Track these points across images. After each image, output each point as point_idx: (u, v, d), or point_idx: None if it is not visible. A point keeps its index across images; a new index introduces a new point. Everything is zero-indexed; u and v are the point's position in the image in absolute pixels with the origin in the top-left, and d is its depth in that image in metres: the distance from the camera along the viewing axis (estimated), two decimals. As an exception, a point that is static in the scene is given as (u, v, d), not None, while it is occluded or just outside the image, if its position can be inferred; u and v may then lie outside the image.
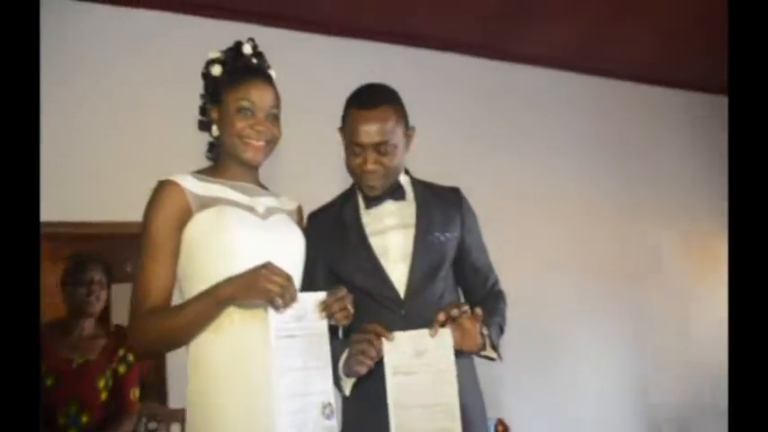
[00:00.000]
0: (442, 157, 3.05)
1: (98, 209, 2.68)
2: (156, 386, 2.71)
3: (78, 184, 2.68)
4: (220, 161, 1.47)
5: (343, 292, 1.30)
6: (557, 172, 4.08)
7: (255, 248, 1.29)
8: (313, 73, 3.23)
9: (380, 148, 1.47)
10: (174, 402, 2.65)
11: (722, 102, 5.15)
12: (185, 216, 1.31)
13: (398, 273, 1.50)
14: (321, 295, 1.29)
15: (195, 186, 1.35)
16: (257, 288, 1.17)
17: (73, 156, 2.70)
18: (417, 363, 1.32)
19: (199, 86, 1.50)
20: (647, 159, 4.60)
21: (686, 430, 4.10)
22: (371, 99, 1.50)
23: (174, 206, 1.31)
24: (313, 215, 1.64)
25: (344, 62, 3.39)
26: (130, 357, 2.35)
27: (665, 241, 4.47)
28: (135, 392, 2.37)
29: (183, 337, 1.28)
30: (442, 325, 1.34)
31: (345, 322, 1.31)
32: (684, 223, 4.61)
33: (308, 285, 1.46)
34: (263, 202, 1.45)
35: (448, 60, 3.85)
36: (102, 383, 2.28)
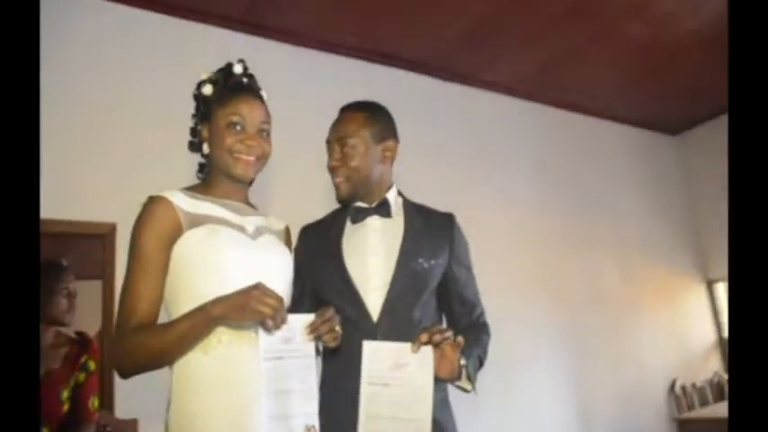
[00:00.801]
0: (401, 174, 3.09)
1: (50, 206, 2.59)
2: (102, 395, 2.62)
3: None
4: (210, 179, 1.45)
5: (330, 313, 1.28)
6: (514, 199, 4.18)
7: (245, 269, 1.27)
8: (285, 86, 3.24)
9: (341, 144, 1.55)
10: (119, 413, 2.56)
11: (672, 141, 5.43)
12: (175, 233, 1.29)
13: (375, 297, 1.49)
14: (309, 317, 1.27)
15: (186, 203, 1.33)
16: (249, 309, 1.15)
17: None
18: (394, 376, 1.30)
19: (183, 96, 1.48)
20: (602, 191, 4.78)
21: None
22: (346, 107, 1.63)
23: (165, 222, 1.28)
24: (305, 229, 1.65)
25: (320, 76, 3.43)
26: (91, 365, 2.25)
27: (612, 272, 4.64)
28: (94, 402, 2.25)
29: (170, 356, 1.24)
30: (425, 343, 1.32)
31: (334, 344, 1.29)
32: (633, 253, 4.80)
33: (295, 303, 1.45)
34: (252, 221, 1.43)
35: (416, 81, 3.93)
36: (65, 394, 2.17)
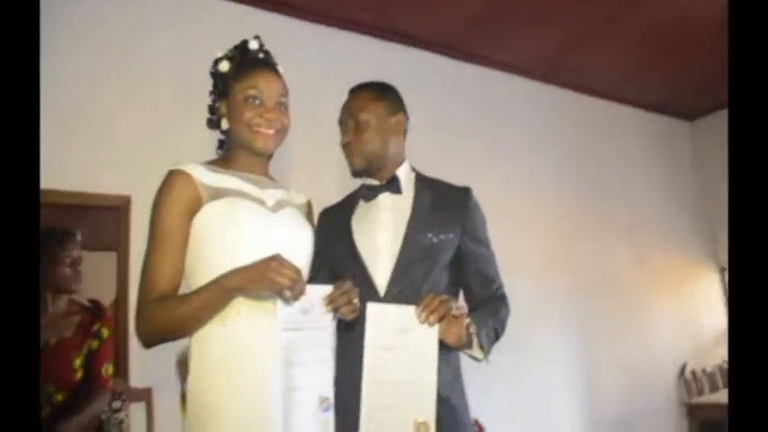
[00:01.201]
0: (415, 154, 3.09)
1: (65, 178, 2.62)
2: (117, 364, 2.66)
3: (50, 150, 2.60)
4: (230, 154, 1.45)
5: (348, 285, 1.29)
6: (529, 180, 4.17)
7: (264, 241, 1.28)
8: (300, 63, 3.23)
9: (353, 122, 1.58)
10: (134, 382, 2.61)
11: (687, 127, 5.37)
12: (195, 206, 1.30)
13: (383, 272, 1.51)
14: (327, 289, 1.28)
15: (205, 177, 1.34)
16: (266, 280, 1.16)
17: (46, 122, 2.62)
18: (399, 339, 1.30)
19: (199, 71, 1.48)
20: (616, 175, 4.74)
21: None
22: (357, 87, 1.66)
23: (184, 195, 1.30)
24: (323, 213, 1.68)
25: (335, 54, 3.41)
26: (104, 333, 2.27)
27: (625, 256, 4.63)
28: (108, 369, 2.27)
29: (188, 327, 1.26)
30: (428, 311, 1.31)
31: (351, 316, 1.30)
32: (644, 238, 4.78)
33: (310, 282, 1.45)
34: (272, 194, 1.43)
35: (432, 61, 3.90)
36: (78, 362, 2.20)
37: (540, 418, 3.81)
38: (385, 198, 1.59)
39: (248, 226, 1.30)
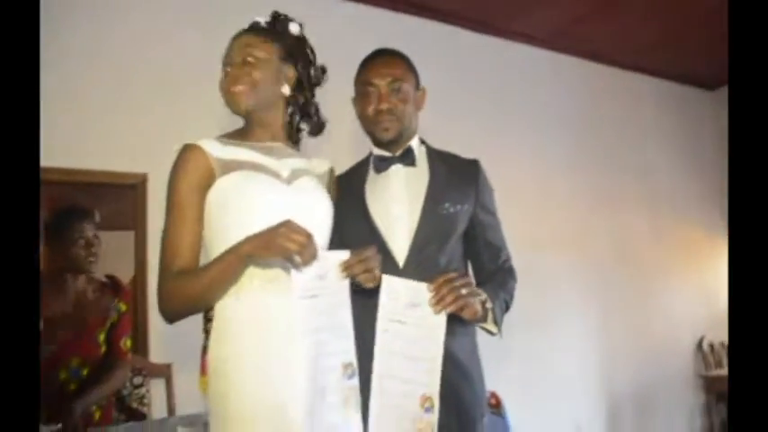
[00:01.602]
0: (424, 125, 3.06)
1: (81, 156, 2.63)
2: (137, 340, 2.70)
3: (67, 129, 2.62)
4: (246, 124, 1.45)
5: (367, 252, 1.28)
6: (543, 153, 4.12)
7: (275, 213, 1.26)
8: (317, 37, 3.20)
9: (393, 86, 1.54)
10: (154, 357, 2.65)
11: (708, 96, 5.26)
12: (208, 179, 1.31)
13: (401, 243, 1.51)
14: (344, 254, 1.27)
15: (219, 150, 1.34)
16: (275, 245, 1.16)
17: (63, 101, 2.64)
18: (410, 314, 1.31)
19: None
20: (632, 147, 4.68)
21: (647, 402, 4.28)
22: (384, 51, 1.63)
23: (197, 169, 1.31)
24: (335, 181, 1.66)
25: (343, 24, 3.37)
26: (122, 307, 2.32)
27: (641, 229, 4.58)
28: (126, 342, 2.33)
29: (207, 299, 1.28)
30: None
31: (371, 284, 1.29)
32: (661, 212, 4.73)
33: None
34: (289, 164, 1.42)
35: (444, 31, 3.84)
36: (101, 337, 2.25)
37: (557, 390, 3.82)
38: (397, 170, 1.59)
39: (258, 197, 1.30)
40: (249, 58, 1.38)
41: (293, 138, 1.53)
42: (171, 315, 1.30)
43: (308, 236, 1.18)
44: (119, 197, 2.75)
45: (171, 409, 2.53)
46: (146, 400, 2.45)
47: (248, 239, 1.21)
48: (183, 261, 1.28)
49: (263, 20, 1.47)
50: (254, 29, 1.45)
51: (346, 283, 1.28)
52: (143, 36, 2.86)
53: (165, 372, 2.57)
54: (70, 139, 2.62)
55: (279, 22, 1.47)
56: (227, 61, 1.41)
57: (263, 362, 1.25)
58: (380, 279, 1.31)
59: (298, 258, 1.17)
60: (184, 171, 1.31)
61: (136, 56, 2.83)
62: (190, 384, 2.29)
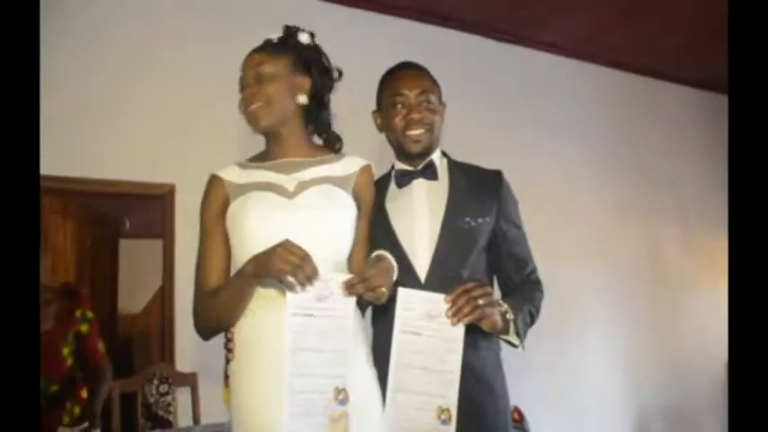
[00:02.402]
0: (452, 136, 3.05)
1: (109, 167, 2.69)
2: (162, 349, 2.73)
3: (98, 141, 2.67)
4: (267, 143, 1.48)
5: (374, 270, 1.26)
6: (571, 164, 4.08)
7: (274, 232, 1.27)
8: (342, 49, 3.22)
9: (422, 97, 1.55)
10: (180, 366, 2.67)
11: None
12: (225, 206, 1.39)
13: (423, 258, 1.50)
14: (347, 276, 1.26)
15: (236, 176, 1.41)
16: (270, 266, 1.19)
17: (93, 112, 2.69)
18: (427, 325, 1.30)
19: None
20: (660, 157, 4.60)
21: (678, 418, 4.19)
22: (409, 64, 1.63)
23: (217, 199, 1.40)
24: None
25: (370, 35, 3.39)
26: (89, 314, 2.31)
27: (671, 242, 4.50)
28: (102, 346, 2.34)
29: (227, 316, 1.33)
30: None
31: (381, 301, 1.27)
32: (691, 223, 4.64)
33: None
34: (299, 176, 1.40)
35: (471, 42, 3.84)
36: (66, 351, 2.22)
37: (583, 406, 3.76)
38: (419, 184, 1.57)
39: (257, 219, 1.32)
40: (261, 75, 1.39)
41: (333, 144, 1.51)
42: (203, 332, 1.39)
43: (304, 256, 1.18)
44: (147, 207, 2.80)
45: (196, 419, 2.55)
46: (171, 408, 2.48)
47: (251, 261, 1.25)
48: (213, 282, 1.36)
49: (275, 36, 1.48)
50: (264, 46, 1.46)
51: (350, 306, 1.26)
52: (173, 48, 2.92)
53: (190, 381, 2.59)
54: (100, 150, 2.68)
55: (290, 35, 1.48)
56: (243, 83, 1.43)
57: (257, 378, 1.27)
58: (396, 293, 1.30)
59: (290, 279, 1.17)
60: (206, 201, 1.42)
61: (165, 66, 2.88)
62: (215, 393, 2.30)
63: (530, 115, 3.97)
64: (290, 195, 1.37)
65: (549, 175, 3.91)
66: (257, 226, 1.31)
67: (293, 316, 1.20)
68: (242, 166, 1.44)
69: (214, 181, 1.42)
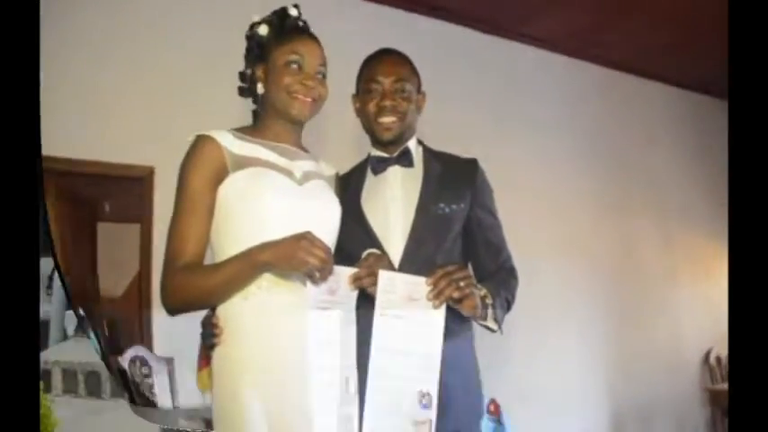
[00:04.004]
0: (434, 127, 3.05)
1: (90, 147, 2.63)
2: (140, 334, 2.71)
3: (74, 119, 2.62)
4: (262, 121, 1.43)
5: (387, 258, 1.32)
6: (550, 158, 4.09)
7: (289, 215, 1.26)
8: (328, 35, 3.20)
9: (397, 85, 1.54)
10: (157, 351, 2.65)
11: (721, 106, 5.21)
12: (221, 174, 1.29)
13: (396, 244, 1.50)
14: (353, 270, 1.28)
15: (233, 144, 1.32)
16: (296, 259, 1.15)
17: (70, 90, 2.64)
18: (407, 309, 1.30)
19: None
20: (642, 154, 4.64)
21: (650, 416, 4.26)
22: (389, 51, 1.63)
23: (211, 163, 1.28)
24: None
25: (356, 23, 3.36)
26: None
27: (649, 238, 4.55)
28: None
29: (215, 298, 1.27)
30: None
31: (373, 288, 1.29)
32: (672, 220, 4.69)
33: None
34: (301, 165, 1.40)
35: (456, 33, 3.83)
36: None
37: (559, 400, 3.78)
38: (395, 171, 1.58)
39: (272, 197, 1.28)
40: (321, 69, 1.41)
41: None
42: (173, 308, 1.28)
43: (328, 251, 1.18)
44: (125, 190, 2.75)
45: (173, 402, 2.53)
46: (154, 390, 2.47)
47: (266, 248, 1.19)
48: (190, 255, 1.25)
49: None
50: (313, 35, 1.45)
51: (354, 298, 1.28)
52: (153, 26, 2.86)
53: (167, 365, 2.56)
54: (77, 129, 2.62)
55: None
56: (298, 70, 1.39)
57: (268, 366, 1.23)
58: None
59: (317, 274, 1.16)
60: (197, 162, 1.29)
61: (145, 46, 2.82)
62: (191, 378, 2.32)
63: (512, 108, 3.97)
64: (299, 182, 1.36)
65: (529, 169, 3.91)
66: (273, 205, 1.28)
67: (313, 308, 1.20)
68: (235, 135, 1.35)
69: (209, 143, 1.29)
